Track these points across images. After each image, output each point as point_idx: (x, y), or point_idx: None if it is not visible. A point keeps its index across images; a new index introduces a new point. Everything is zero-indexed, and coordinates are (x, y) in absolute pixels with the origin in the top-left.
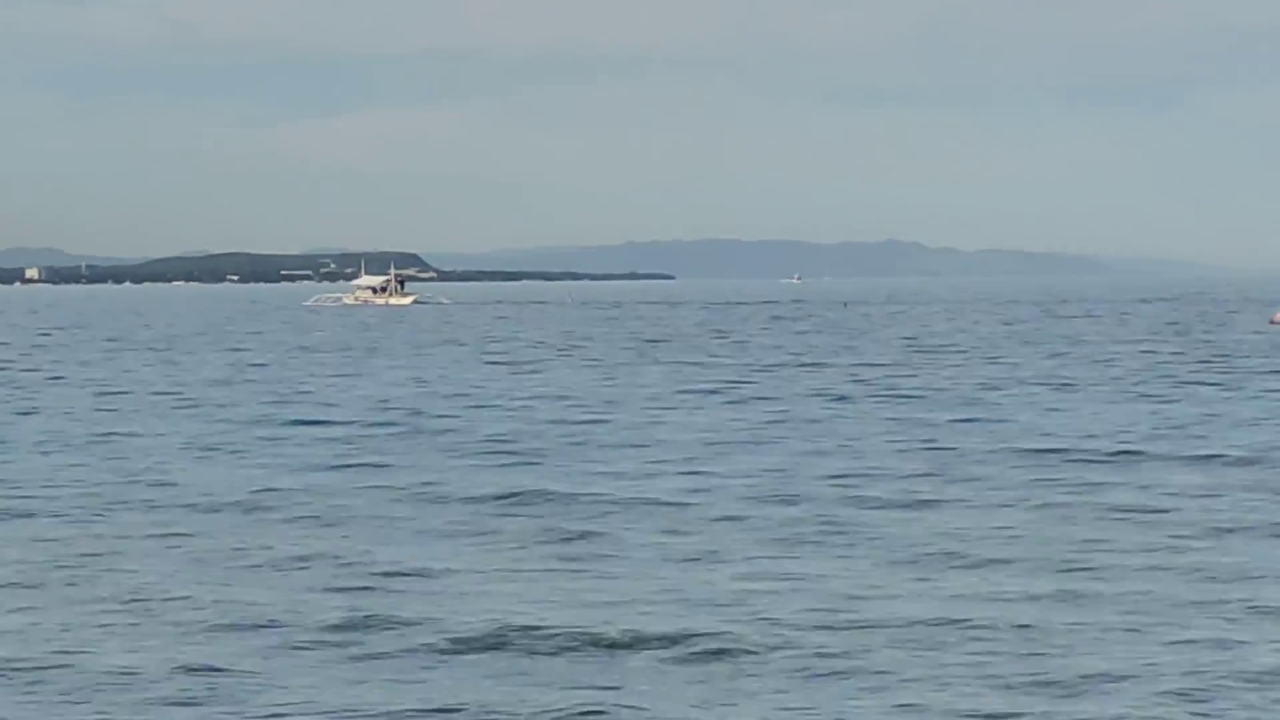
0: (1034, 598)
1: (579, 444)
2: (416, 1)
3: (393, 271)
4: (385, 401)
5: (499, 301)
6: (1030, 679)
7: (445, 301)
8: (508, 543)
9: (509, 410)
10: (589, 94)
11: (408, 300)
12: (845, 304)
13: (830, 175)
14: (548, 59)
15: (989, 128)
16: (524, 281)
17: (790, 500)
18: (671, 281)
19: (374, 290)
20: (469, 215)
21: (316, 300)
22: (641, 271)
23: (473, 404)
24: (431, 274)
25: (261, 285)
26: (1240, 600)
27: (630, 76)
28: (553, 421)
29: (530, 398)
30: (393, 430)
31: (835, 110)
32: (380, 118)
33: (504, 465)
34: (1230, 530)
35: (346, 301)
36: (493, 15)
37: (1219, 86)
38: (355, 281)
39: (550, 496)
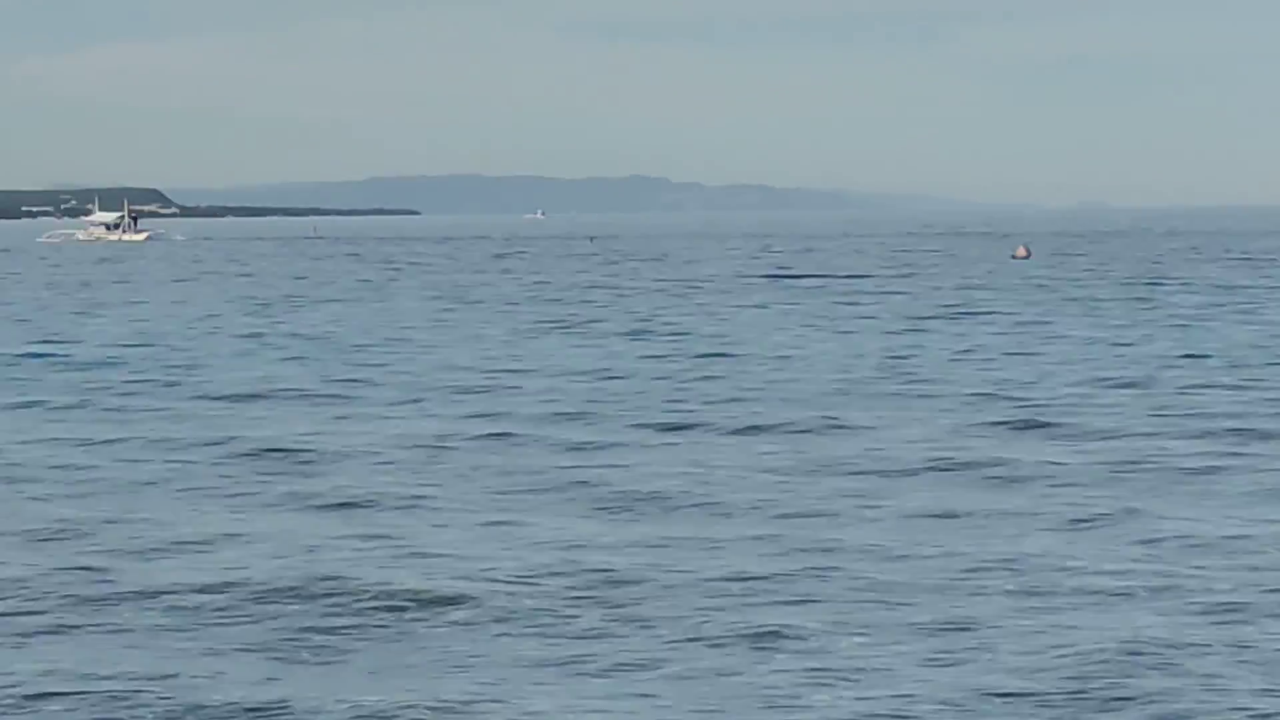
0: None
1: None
2: None
3: (126, 207)
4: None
5: (233, 239)
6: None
7: (180, 239)
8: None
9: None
10: (332, 28)
11: (141, 237)
12: (592, 239)
13: (575, 110)
14: None
15: (735, 61)
16: (270, 218)
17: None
18: (416, 217)
19: (107, 227)
20: (213, 151)
21: (49, 237)
22: (388, 208)
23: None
24: (174, 210)
25: (1, 221)
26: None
27: (373, 10)
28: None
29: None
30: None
31: (578, 43)
32: (123, 51)
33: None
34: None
35: (80, 238)
36: None
37: (971, 22)
38: (89, 219)
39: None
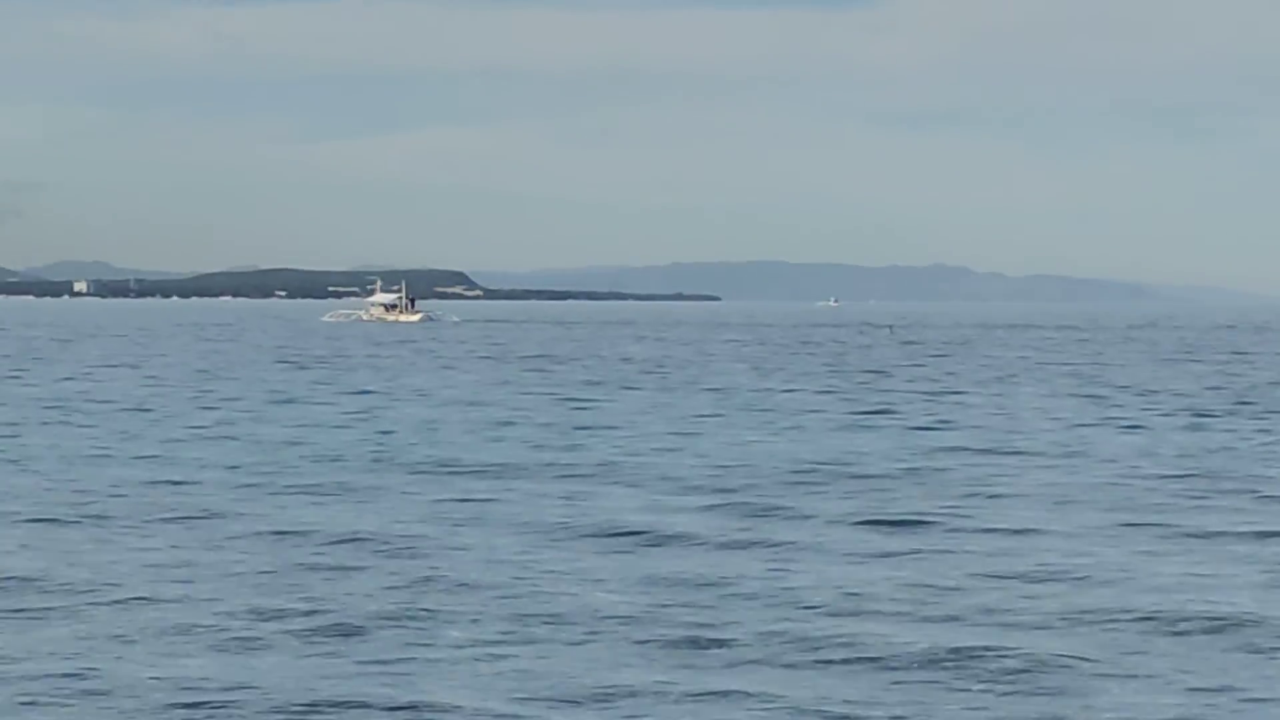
0: None
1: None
2: (467, 20)
3: (405, 289)
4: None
5: (504, 321)
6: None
7: (455, 320)
8: None
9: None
10: (639, 113)
11: (416, 317)
12: (891, 327)
13: (877, 198)
14: (598, 78)
15: (1037, 151)
16: (571, 302)
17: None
18: (716, 303)
19: (386, 307)
20: (517, 234)
21: (332, 315)
22: (688, 293)
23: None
24: (478, 292)
25: (309, 301)
26: None
27: (680, 96)
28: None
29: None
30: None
31: (882, 132)
32: (430, 135)
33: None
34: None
35: (363, 318)
36: (542, 35)
37: (1269, 114)
38: (370, 299)
39: None
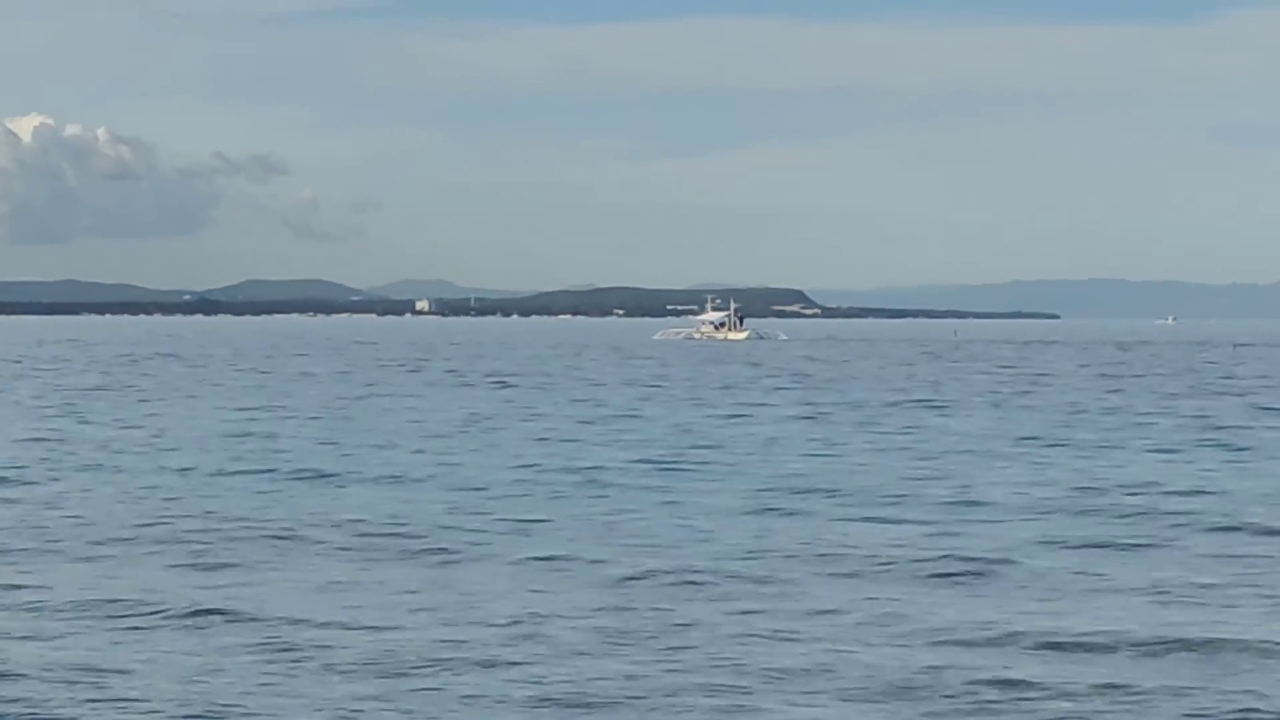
0: None
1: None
2: (808, 39)
3: (732, 308)
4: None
5: (829, 338)
6: None
7: (783, 338)
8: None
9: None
10: (978, 131)
11: (743, 336)
12: (1235, 346)
13: (1218, 215)
14: (936, 97)
15: None
16: (909, 320)
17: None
18: (1054, 321)
19: (714, 326)
20: (854, 252)
21: (663, 334)
22: (1027, 310)
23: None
24: (816, 310)
25: (647, 320)
26: None
27: (1018, 115)
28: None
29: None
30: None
31: (1223, 148)
32: (770, 153)
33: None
34: None
35: (695, 336)
36: (883, 54)
37: None
38: (700, 317)
39: None
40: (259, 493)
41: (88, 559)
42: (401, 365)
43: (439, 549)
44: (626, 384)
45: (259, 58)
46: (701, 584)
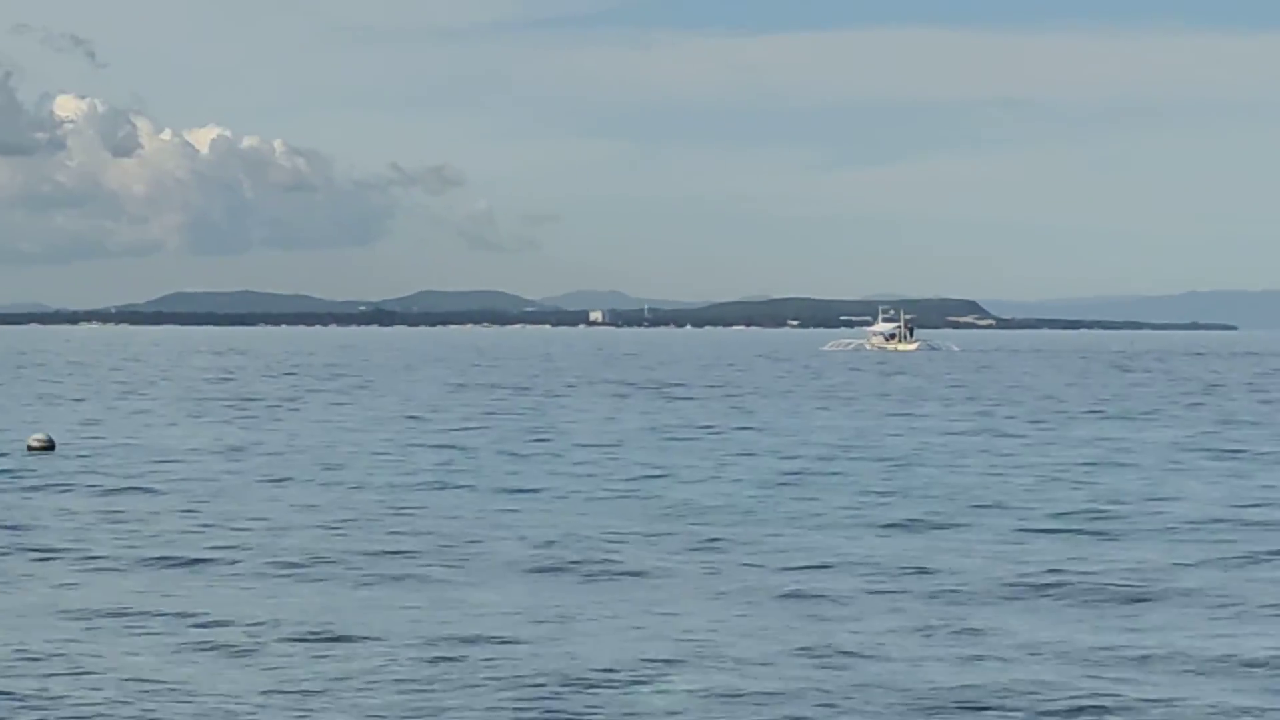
0: None
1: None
2: (985, 50)
3: (902, 319)
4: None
5: (1000, 350)
6: None
7: (954, 349)
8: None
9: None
10: (1151, 141)
11: (913, 346)
12: None
13: None
14: (1111, 107)
15: None
16: (1083, 331)
17: None
18: (1232, 333)
19: (885, 337)
20: (1029, 263)
21: (833, 345)
22: (1203, 322)
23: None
24: (990, 321)
25: (821, 330)
26: None
27: (1194, 124)
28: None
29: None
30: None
31: None
32: (943, 164)
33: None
34: None
35: (867, 347)
36: (1057, 64)
37: None
38: (870, 329)
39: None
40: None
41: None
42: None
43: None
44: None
45: (435, 70)
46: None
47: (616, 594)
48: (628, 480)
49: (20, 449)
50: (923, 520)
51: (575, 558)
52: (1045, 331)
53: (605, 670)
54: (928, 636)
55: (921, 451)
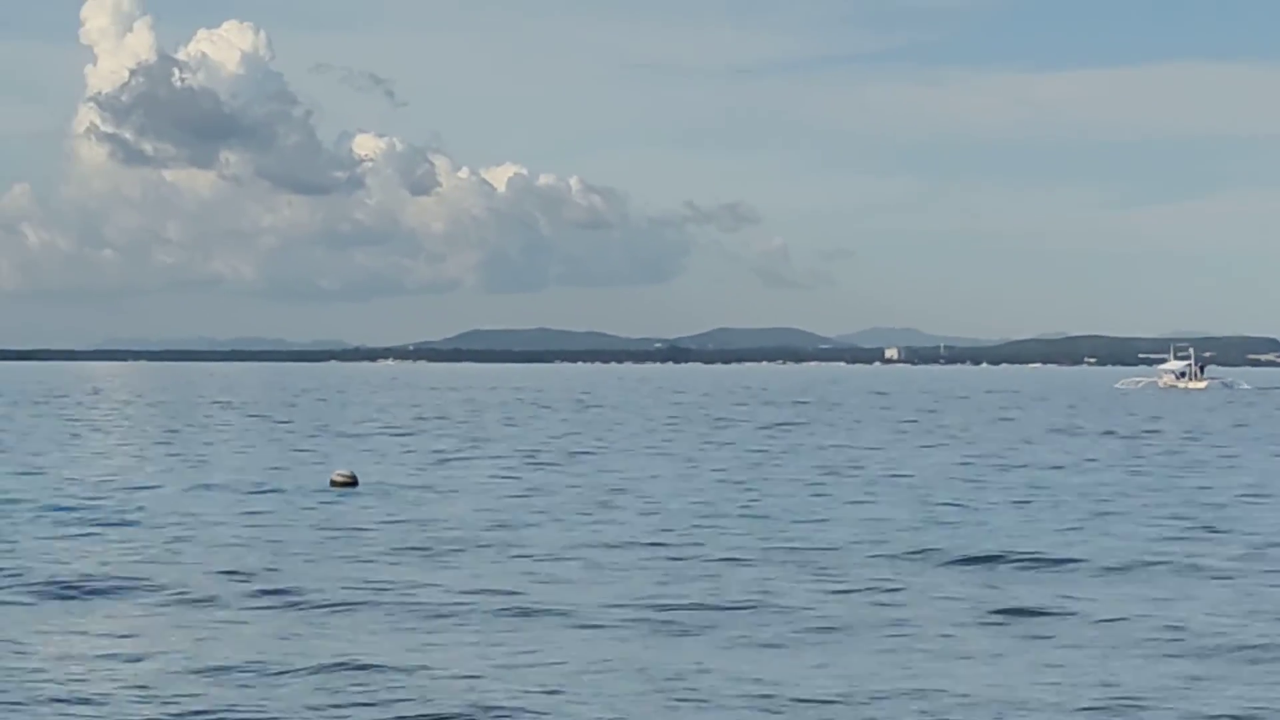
0: None
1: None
2: (1276, 83)
3: (1194, 356)
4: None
5: None
6: None
7: (1245, 387)
8: None
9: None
10: None
11: (1202, 385)
12: None
13: None
14: None
15: None
16: None
17: None
18: None
19: (1175, 375)
20: None
21: (1124, 383)
22: None
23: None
24: None
25: (1117, 368)
26: None
27: None
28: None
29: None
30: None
31: None
32: (1240, 199)
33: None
34: None
35: (1158, 385)
36: None
37: None
38: (1162, 366)
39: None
40: None
41: None
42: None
43: None
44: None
45: (727, 106)
46: None
47: None
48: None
49: (323, 483)
50: None
51: None
52: None
53: None
54: None
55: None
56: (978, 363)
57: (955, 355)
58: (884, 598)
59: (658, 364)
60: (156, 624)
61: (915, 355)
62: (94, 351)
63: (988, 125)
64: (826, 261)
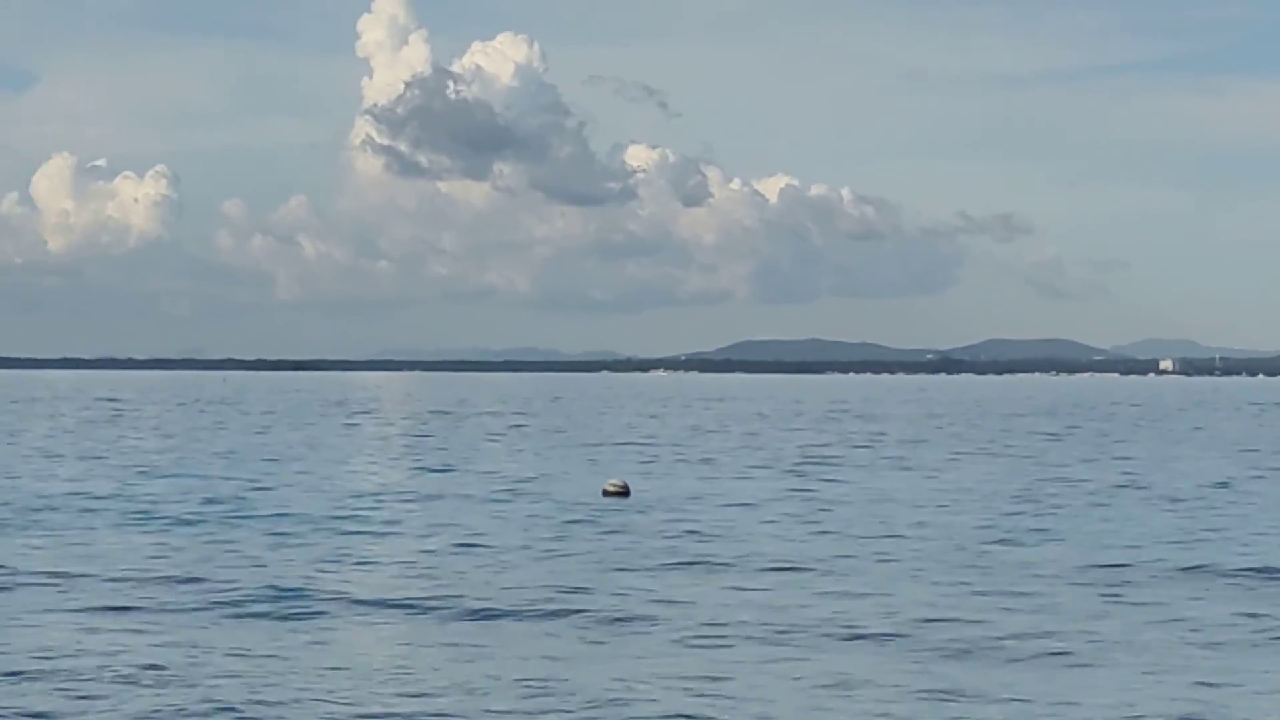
0: None
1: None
2: None
3: None
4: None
5: None
6: None
7: None
8: None
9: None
10: None
11: None
12: None
13: None
14: None
15: None
16: None
17: None
18: None
19: None
20: None
21: None
22: None
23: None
24: None
25: None
26: None
27: None
28: None
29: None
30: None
31: None
32: None
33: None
34: None
35: None
36: None
37: None
38: None
39: None
40: None
41: None
42: None
43: None
44: None
45: (1000, 116)
46: None
47: None
48: None
49: (596, 494)
50: None
51: None
52: None
53: None
54: None
55: None
56: (1254, 374)
57: (1231, 367)
58: None
59: (929, 375)
60: (488, 638)
61: (1190, 366)
62: (369, 362)
63: (1268, 135)
64: (1100, 272)
